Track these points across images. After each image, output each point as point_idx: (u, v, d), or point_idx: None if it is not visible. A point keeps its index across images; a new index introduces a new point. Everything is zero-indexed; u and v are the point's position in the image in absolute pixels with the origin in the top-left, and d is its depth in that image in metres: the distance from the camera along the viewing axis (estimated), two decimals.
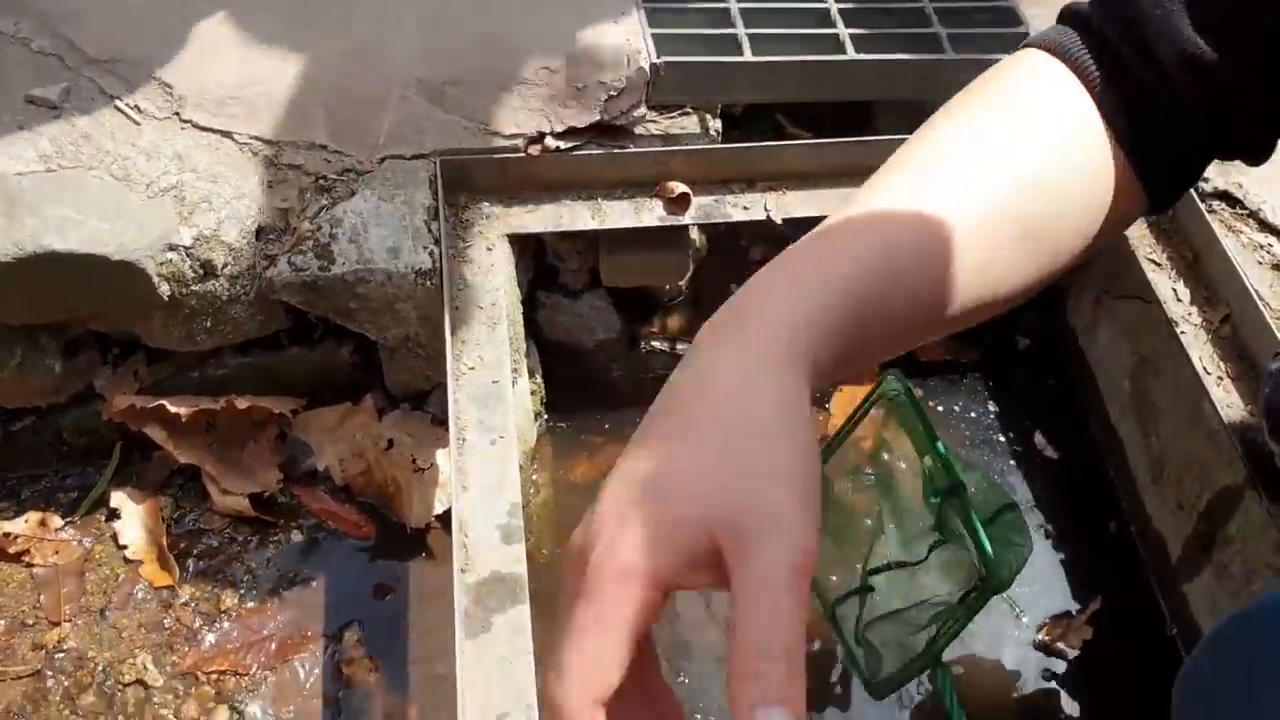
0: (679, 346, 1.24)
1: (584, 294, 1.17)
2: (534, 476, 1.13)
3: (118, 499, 1.05)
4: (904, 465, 1.03)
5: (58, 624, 0.98)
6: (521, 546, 0.85)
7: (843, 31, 1.15)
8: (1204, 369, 1.01)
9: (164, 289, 0.95)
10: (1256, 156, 0.57)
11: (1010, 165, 0.51)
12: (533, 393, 1.14)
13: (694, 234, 1.18)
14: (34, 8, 1.09)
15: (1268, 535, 0.93)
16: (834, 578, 0.86)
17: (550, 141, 1.07)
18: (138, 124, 1.03)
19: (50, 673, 0.95)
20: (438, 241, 1.01)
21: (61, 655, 0.97)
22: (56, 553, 1.03)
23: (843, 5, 1.18)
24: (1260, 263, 1.07)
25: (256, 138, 1.04)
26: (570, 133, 1.08)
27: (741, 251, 1.28)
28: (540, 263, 1.15)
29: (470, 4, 1.17)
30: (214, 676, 0.96)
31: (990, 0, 1.23)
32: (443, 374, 0.95)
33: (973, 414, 1.23)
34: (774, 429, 0.40)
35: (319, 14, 1.14)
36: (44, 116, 1.00)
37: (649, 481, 0.40)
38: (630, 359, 1.24)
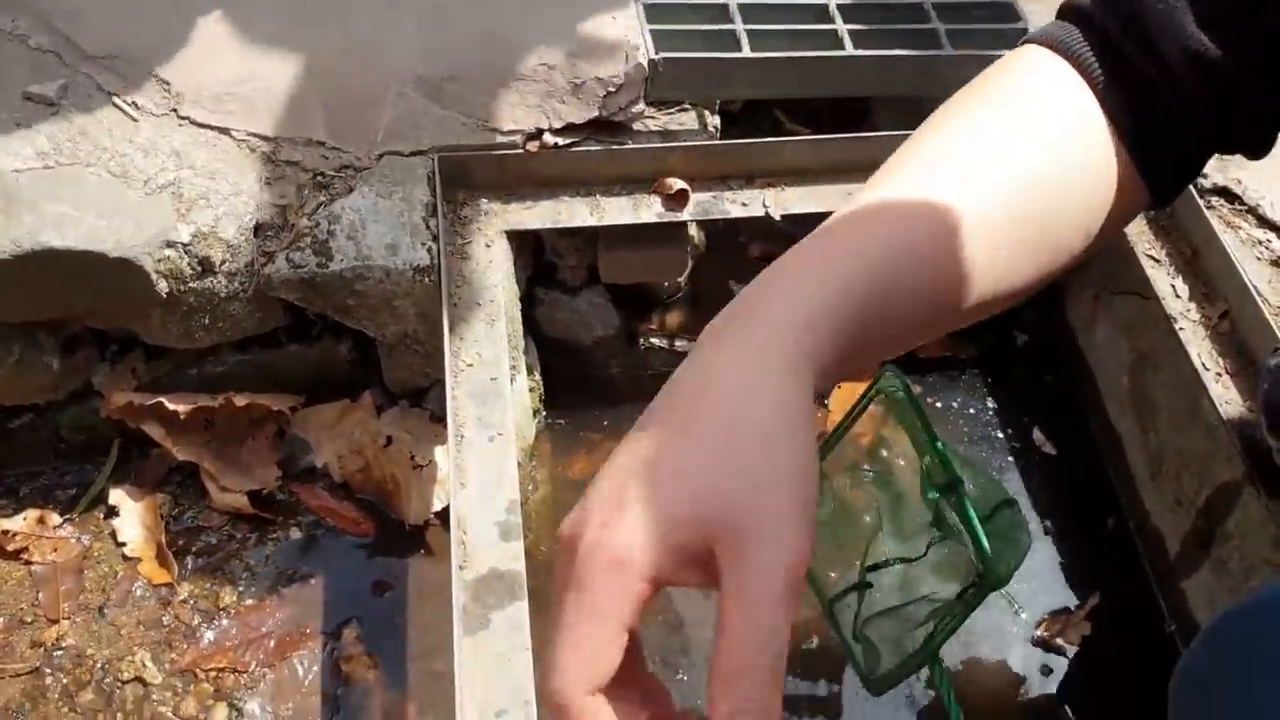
0: (678, 343, 1.24)
1: (582, 290, 1.17)
2: (533, 473, 1.13)
3: (116, 496, 1.05)
4: (903, 462, 1.03)
5: (56, 621, 0.98)
6: (520, 543, 0.84)
7: (841, 27, 1.15)
8: (1203, 365, 1.01)
9: (162, 286, 0.95)
10: (1257, 151, 0.57)
11: (1011, 163, 0.51)
12: (531, 389, 1.14)
13: (692, 230, 1.18)
14: (32, 5, 1.09)
15: (1266, 531, 0.93)
16: (832, 574, 0.86)
17: (548, 138, 1.07)
18: (135, 120, 1.02)
19: (49, 670, 0.95)
20: (436, 238, 1.00)
21: (60, 653, 0.97)
22: (55, 550, 1.03)
23: (841, 1, 1.18)
24: (1259, 258, 1.07)
25: (254, 134, 1.04)
26: (568, 129, 1.08)
27: (740, 248, 1.28)
28: (539, 259, 1.15)
29: (469, 0, 1.17)
30: (213, 674, 0.96)
31: None
32: (441, 371, 0.95)
33: (971, 410, 1.23)
34: (775, 431, 0.40)
35: (317, 11, 1.14)
36: (41, 113, 1.00)
37: (646, 475, 0.40)
38: (629, 355, 1.23)
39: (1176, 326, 1.04)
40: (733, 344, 0.43)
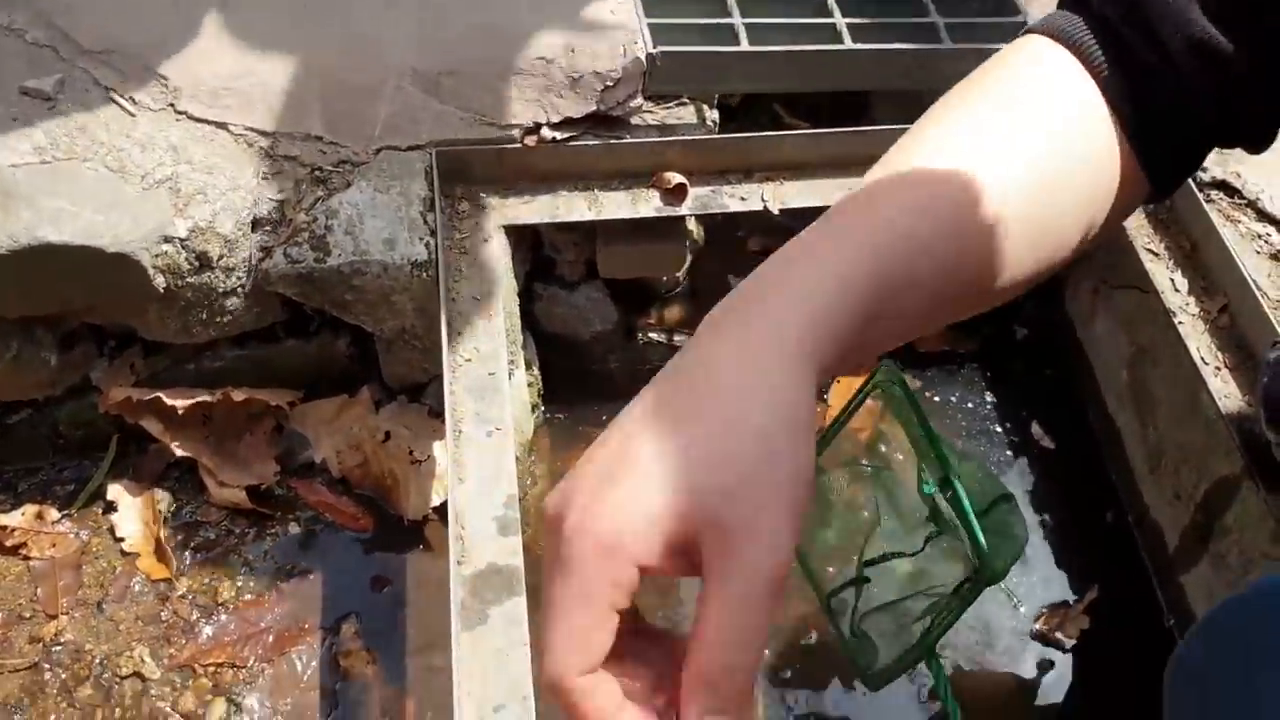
0: (676, 338, 1.24)
1: (581, 285, 1.17)
2: (531, 468, 1.13)
3: (114, 491, 1.05)
4: (901, 456, 1.02)
5: (55, 617, 0.98)
6: (518, 538, 0.84)
7: (840, 21, 1.14)
8: (1201, 359, 1.01)
9: (159, 281, 0.95)
10: (1258, 145, 0.56)
11: (1012, 156, 0.51)
12: (530, 384, 1.14)
13: (691, 225, 1.18)
14: (30, 0, 1.09)
15: (1265, 525, 0.93)
16: (830, 569, 0.86)
17: (546, 132, 1.07)
18: (132, 115, 1.02)
19: (47, 665, 0.95)
20: (434, 233, 1.00)
21: (59, 648, 0.97)
22: (53, 545, 1.03)
23: None
24: (1258, 252, 1.07)
25: (252, 129, 1.04)
26: (566, 123, 1.08)
27: (739, 242, 1.28)
28: (537, 254, 1.15)
29: None
30: (211, 669, 0.96)
31: None
32: (439, 366, 0.94)
33: (970, 404, 1.23)
34: (775, 433, 0.40)
35: (314, 5, 1.14)
36: (38, 108, 1.00)
37: (640, 462, 0.39)
38: (627, 350, 1.23)
39: (1176, 320, 1.04)
40: (733, 339, 0.43)
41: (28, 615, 0.98)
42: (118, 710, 0.93)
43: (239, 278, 0.98)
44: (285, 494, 1.08)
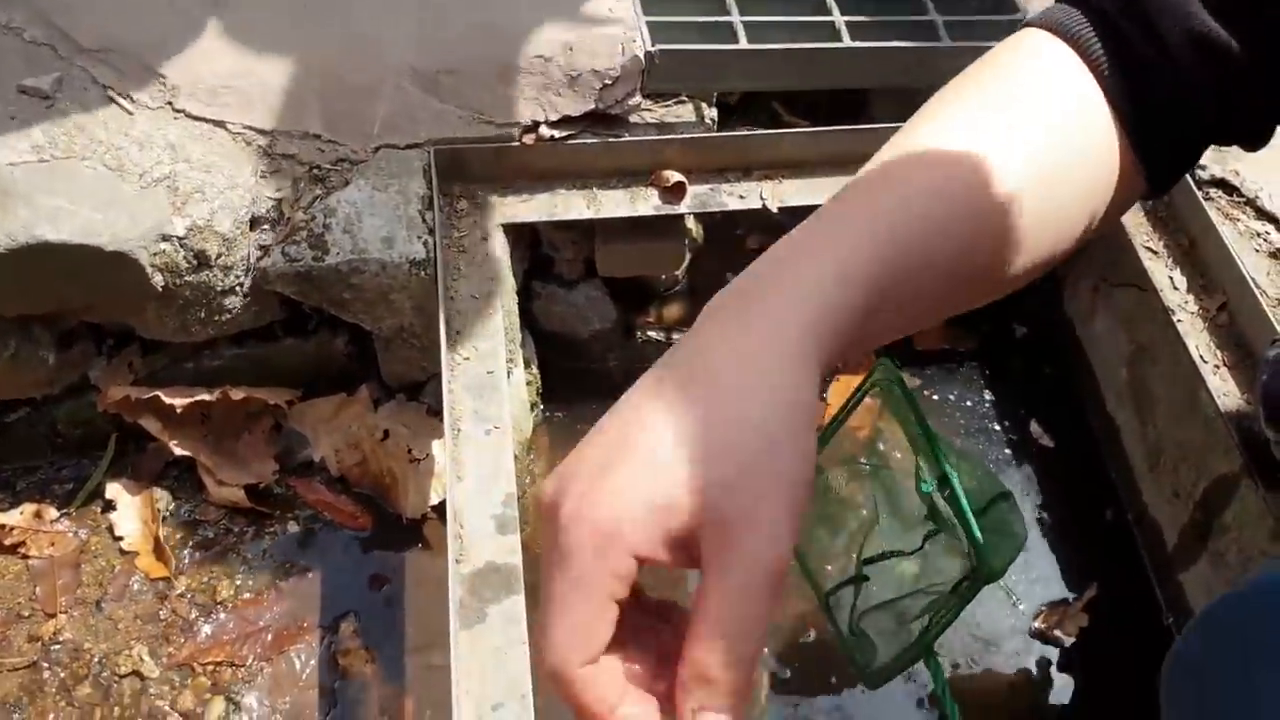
0: (675, 336, 1.24)
1: (579, 284, 1.17)
2: (530, 466, 1.13)
3: (113, 490, 1.05)
4: (899, 455, 1.02)
5: (53, 615, 0.98)
6: (517, 537, 0.84)
7: (839, 19, 1.14)
8: (1200, 357, 1.01)
9: (157, 279, 0.95)
10: (1255, 143, 0.56)
11: (1011, 149, 0.50)
12: (528, 383, 1.14)
13: (690, 223, 1.18)
14: None
15: (1264, 523, 0.93)
16: (829, 567, 0.86)
17: (545, 130, 1.07)
18: (130, 114, 1.02)
19: (46, 664, 0.95)
20: (432, 231, 1.00)
21: (57, 647, 0.97)
22: (52, 544, 1.03)
23: None
24: (1257, 250, 1.07)
25: (250, 127, 1.04)
26: (565, 121, 1.08)
27: (738, 240, 1.28)
28: (535, 252, 1.15)
29: None
30: (210, 667, 0.96)
31: None
32: (438, 364, 0.94)
33: (969, 403, 1.23)
34: (778, 432, 0.40)
35: (313, 4, 1.13)
36: (36, 107, 1.00)
37: (640, 452, 0.39)
38: (626, 349, 1.23)
39: (1175, 318, 1.04)
40: (733, 336, 0.42)
41: (26, 614, 0.98)
42: (116, 709, 0.93)
43: (237, 276, 0.98)
44: (284, 493, 1.08)
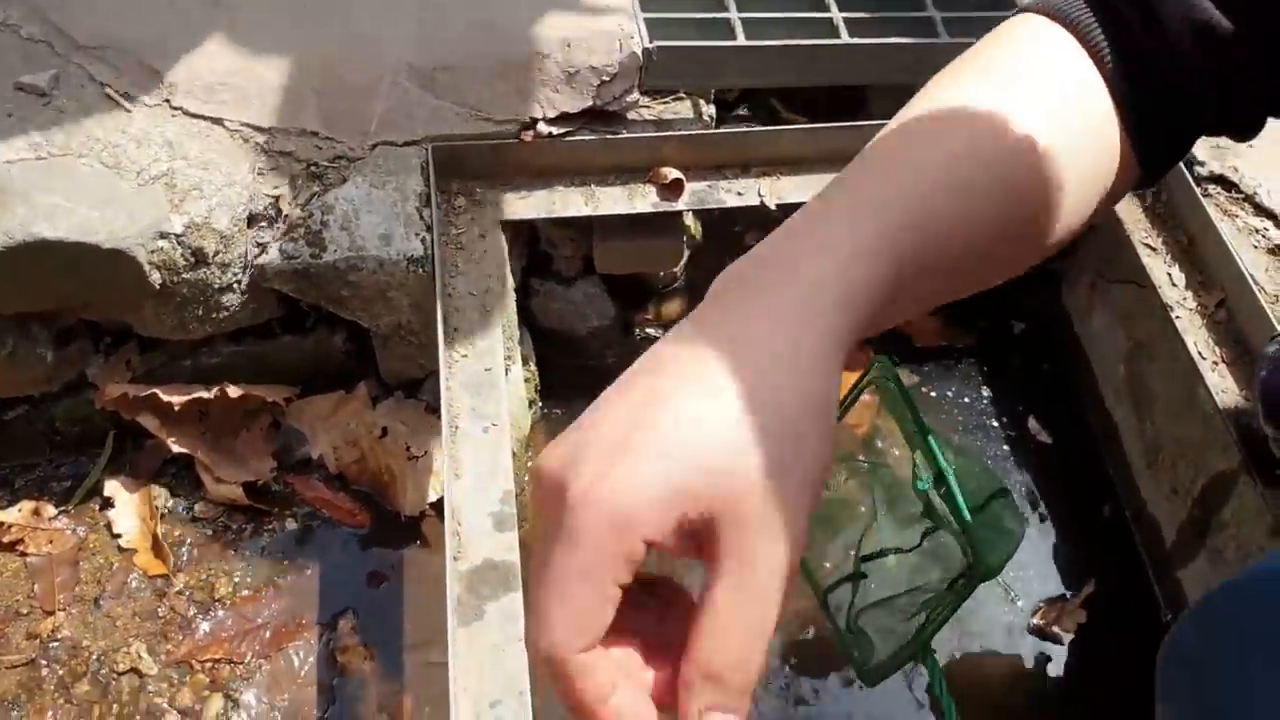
0: None
1: (578, 281, 1.17)
2: (528, 464, 1.13)
3: (111, 488, 1.05)
4: (897, 452, 1.02)
5: (52, 613, 0.98)
6: (515, 534, 0.84)
7: (837, 16, 1.14)
8: (1199, 354, 1.01)
9: (155, 277, 0.95)
10: (1247, 133, 0.55)
11: (1009, 133, 0.49)
12: (527, 380, 1.14)
13: (688, 220, 1.17)
14: None
15: (1262, 520, 0.93)
16: (827, 564, 0.86)
17: (543, 127, 1.07)
18: (128, 111, 1.02)
19: (45, 662, 0.95)
20: (429, 228, 1.00)
21: (56, 644, 0.97)
22: (50, 542, 1.03)
23: None
24: (1256, 246, 1.07)
25: (248, 125, 1.04)
26: (563, 118, 1.08)
27: (736, 237, 1.28)
28: (533, 250, 1.15)
29: None
30: (208, 665, 0.96)
31: None
32: (436, 362, 0.94)
33: (967, 399, 1.23)
34: (802, 420, 0.38)
35: (311, 1, 1.13)
36: (33, 104, 1.00)
37: (658, 432, 0.37)
38: (625, 346, 1.23)
39: (1173, 315, 1.04)
40: (759, 311, 0.40)
41: (25, 611, 0.98)
42: (115, 706, 0.93)
43: (235, 274, 0.98)
44: (282, 490, 1.08)
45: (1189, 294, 1.06)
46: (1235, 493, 0.97)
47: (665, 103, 1.12)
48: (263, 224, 0.99)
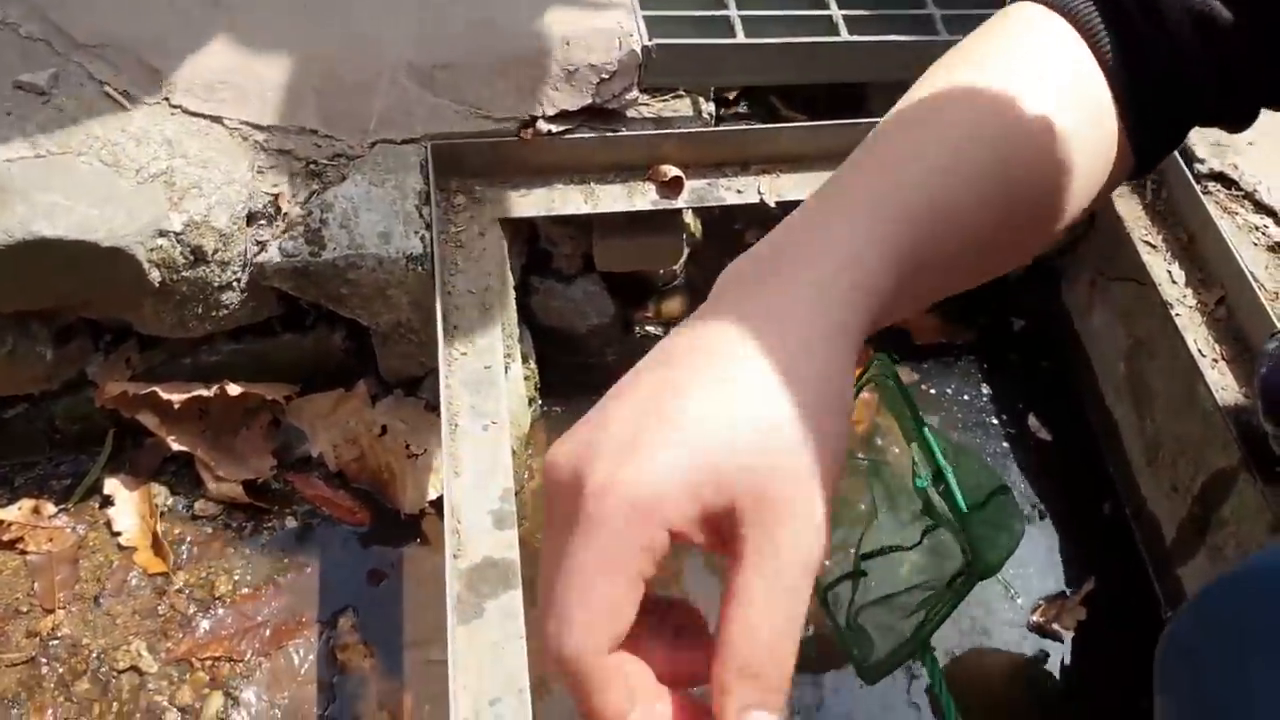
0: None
1: (577, 279, 1.17)
2: (528, 462, 1.13)
3: (111, 486, 1.05)
4: (897, 450, 1.02)
5: (52, 611, 0.98)
6: (514, 532, 0.84)
7: (836, 13, 1.14)
8: (1199, 351, 1.01)
9: (154, 275, 0.95)
10: (1241, 124, 0.55)
11: (1008, 115, 0.49)
12: (526, 378, 1.14)
13: (688, 218, 1.17)
14: None
15: (1262, 517, 0.93)
16: (827, 562, 0.86)
17: (542, 125, 1.06)
18: (127, 109, 1.02)
19: (45, 660, 0.95)
20: (429, 226, 1.00)
21: (56, 642, 0.97)
22: (50, 540, 1.03)
23: None
24: (1256, 244, 1.07)
25: (247, 123, 1.04)
26: (562, 116, 1.07)
27: (736, 235, 1.28)
28: (533, 247, 1.15)
29: None
30: (208, 663, 0.96)
31: None
32: (436, 360, 0.94)
33: (967, 396, 1.23)
34: (819, 407, 0.37)
35: (315, 3, 1.13)
36: (32, 102, 1.00)
37: (677, 421, 0.36)
38: (624, 343, 1.23)
39: (1173, 312, 1.04)
40: (772, 302, 0.40)
41: (25, 609, 0.99)
42: (115, 704, 0.93)
43: (234, 272, 0.98)
44: (282, 488, 1.08)
45: (1189, 291, 1.06)
46: (1235, 490, 0.97)
47: (665, 100, 1.12)
48: (262, 222, 0.99)
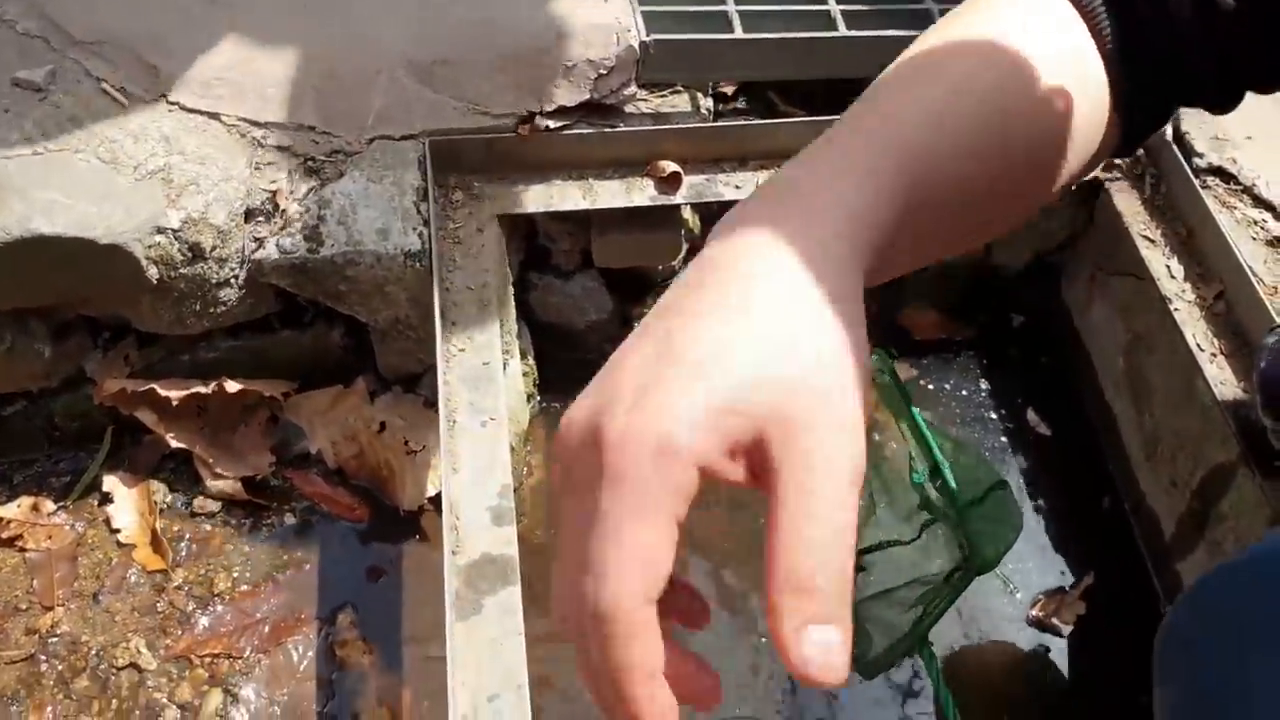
0: None
1: (576, 275, 1.17)
2: (527, 458, 1.13)
3: (110, 483, 1.05)
4: (895, 445, 1.02)
5: (51, 608, 0.98)
6: (513, 528, 0.84)
7: (834, 8, 1.14)
8: (1198, 346, 1.01)
9: (152, 272, 0.95)
10: (1226, 105, 0.55)
11: (1005, 66, 0.49)
12: (525, 374, 1.14)
13: (686, 214, 1.17)
14: None
15: (1261, 512, 0.93)
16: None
17: (540, 121, 1.06)
18: (124, 106, 1.02)
19: (44, 657, 0.96)
20: (427, 223, 1.00)
21: (55, 640, 0.97)
22: (49, 537, 1.03)
23: None
24: (1254, 239, 1.07)
25: (244, 119, 1.03)
26: (560, 112, 1.07)
27: None
28: (531, 244, 1.15)
29: None
30: (207, 660, 0.96)
31: None
32: (434, 356, 0.94)
33: (965, 392, 1.23)
34: (839, 328, 0.37)
35: (314, 1, 1.13)
36: (30, 99, 1.00)
37: (690, 356, 0.35)
38: (623, 339, 1.23)
39: (1172, 307, 1.04)
40: (773, 241, 0.39)
41: (24, 607, 0.99)
42: (114, 701, 0.94)
43: (232, 269, 0.98)
44: (281, 485, 1.08)
45: (1188, 286, 1.06)
46: (1234, 485, 0.97)
47: (663, 96, 1.12)
48: (260, 219, 0.99)
